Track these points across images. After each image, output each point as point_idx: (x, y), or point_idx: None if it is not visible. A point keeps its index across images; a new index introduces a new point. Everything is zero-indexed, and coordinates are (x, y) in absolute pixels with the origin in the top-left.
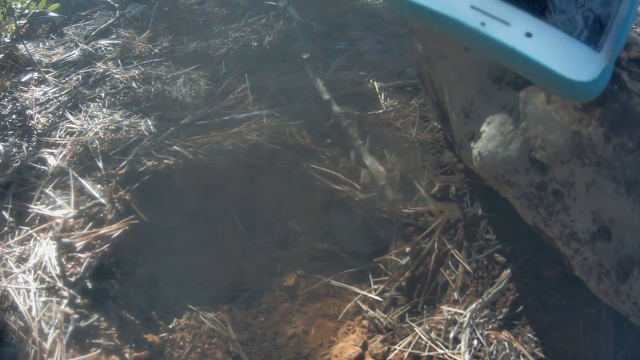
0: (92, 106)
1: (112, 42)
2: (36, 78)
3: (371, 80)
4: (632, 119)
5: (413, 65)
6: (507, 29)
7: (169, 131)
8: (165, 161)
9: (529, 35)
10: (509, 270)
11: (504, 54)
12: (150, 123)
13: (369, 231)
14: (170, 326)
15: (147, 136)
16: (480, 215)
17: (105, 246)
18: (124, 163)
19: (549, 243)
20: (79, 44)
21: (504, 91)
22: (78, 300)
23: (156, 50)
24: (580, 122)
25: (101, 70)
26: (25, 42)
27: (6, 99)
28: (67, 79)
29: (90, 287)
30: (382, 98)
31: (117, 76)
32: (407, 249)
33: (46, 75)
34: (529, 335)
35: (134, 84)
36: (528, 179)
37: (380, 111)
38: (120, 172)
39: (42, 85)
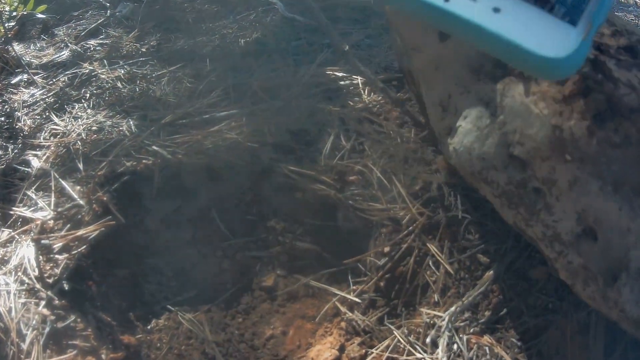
0: (77, 107)
1: (100, 41)
2: (25, 80)
3: (353, 76)
4: (618, 111)
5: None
6: (473, 5)
7: (149, 131)
8: (144, 161)
9: (496, 10)
10: (492, 272)
11: (470, 31)
12: (132, 123)
13: (349, 230)
14: (149, 327)
15: (127, 136)
16: (462, 214)
17: (83, 247)
18: (104, 164)
19: (533, 244)
20: (69, 44)
21: (483, 83)
22: (56, 302)
23: (143, 50)
24: (561, 115)
25: (87, 71)
26: (15, 44)
27: None
28: (54, 80)
29: (67, 288)
30: (365, 93)
31: (103, 76)
32: (386, 249)
33: (34, 77)
34: (513, 339)
35: (119, 84)
36: (507, 177)
37: (360, 105)
38: (99, 173)
39: (31, 87)
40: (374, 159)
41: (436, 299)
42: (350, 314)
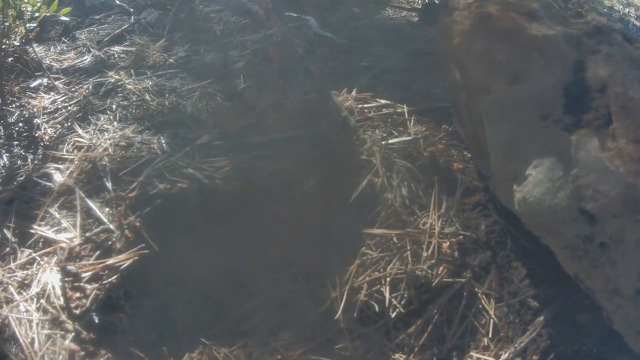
0: (102, 119)
1: (125, 49)
2: (45, 84)
3: (398, 104)
4: None
5: (440, 87)
6: None
7: (184, 151)
8: (179, 184)
9: None
10: (542, 317)
11: None
12: (163, 141)
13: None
14: None
15: (159, 155)
16: (513, 257)
17: (114, 277)
18: (135, 184)
19: (589, 294)
20: (92, 49)
21: (551, 130)
22: (84, 335)
23: (171, 60)
24: (637, 175)
25: (113, 80)
26: (35, 45)
27: (14, 105)
28: (77, 87)
29: (97, 321)
30: (411, 123)
31: (130, 87)
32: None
33: (56, 82)
34: None
35: (147, 96)
36: (575, 230)
37: (408, 138)
38: (130, 194)
39: (52, 93)
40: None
41: (486, 343)
42: (401, 355)
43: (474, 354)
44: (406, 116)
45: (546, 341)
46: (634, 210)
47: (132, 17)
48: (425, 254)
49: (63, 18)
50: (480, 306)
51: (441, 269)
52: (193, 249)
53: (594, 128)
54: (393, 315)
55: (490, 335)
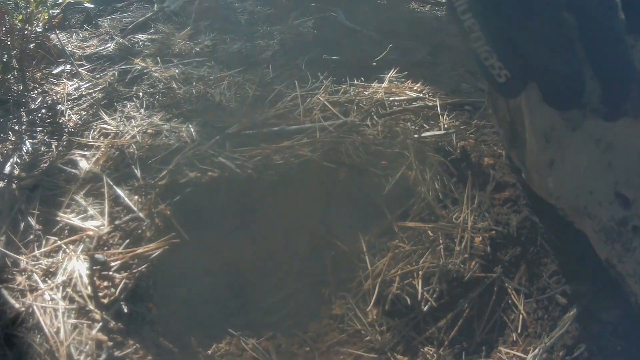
0: (128, 106)
1: (150, 37)
2: (68, 71)
3: (428, 96)
4: None
5: (468, 82)
6: None
7: (214, 140)
8: (209, 173)
9: None
10: (570, 314)
11: None
12: (192, 129)
13: None
14: (209, 352)
15: (189, 144)
16: (542, 254)
17: (143, 266)
18: (164, 173)
19: (618, 280)
20: (115, 37)
21: (589, 118)
22: (112, 325)
23: (197, 49)
24: None
25: (139, 67)
26: (57, 32)
27: (36, 91)
28: (101, 74)
29: (125, 310)
30: (444, 118)
31: (156, 74)
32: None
33: (79, 69)
34: None
35: (174, 84)
36: (610, 213)
37: (440, 132)
38: (160, 182)
39: (75, 79)
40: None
41: (514, 338)
42: (430, 349)
43: (502, 349)
44: (438, 110)
45: (573, 338)
46: None
47: (155, 5)
48: (458, 248)
49: (87, 5)
50: (509, 301)
51: (473, 263)
52: (223, 239)
53: (632, 115)
54: (425, 308)
55: (519, 331)
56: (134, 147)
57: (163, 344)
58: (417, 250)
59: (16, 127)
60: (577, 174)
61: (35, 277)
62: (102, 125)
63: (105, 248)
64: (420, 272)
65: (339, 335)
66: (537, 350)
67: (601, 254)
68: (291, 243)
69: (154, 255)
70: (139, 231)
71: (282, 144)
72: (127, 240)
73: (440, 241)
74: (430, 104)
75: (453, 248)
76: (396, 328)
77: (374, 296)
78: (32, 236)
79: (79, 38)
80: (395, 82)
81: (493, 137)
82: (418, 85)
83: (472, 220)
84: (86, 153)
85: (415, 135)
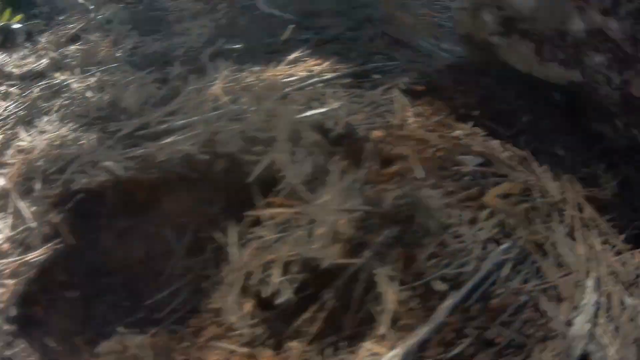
0: (44, 120)
1: (79, 47)
2: (2, 92)
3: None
4: None
5: (383, 53)
6: None
7: (106, 144)
8: (98, 178)
9: None
10: (448, 302)
11: None
12: (93, 136)
13: None
14: (95, 350)
15: (86, 151)
16: (421, 233)
17: (31, 272)
18: (59, 182)
19: None
20: (49, 52)
21: None
22: (5, 328)
23: (118, 54)
24: None
25: (59, 80)
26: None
27: None
28: (28, 92)
29: (15, 314)
30: (332, 94)
31: (75, 85)
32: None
33: (10, 89)
34: None
35: (89, 93)
36: None
37: (324, 109)
38: (54, 192)
39: (8, 99)
40: None
41: (383, 332)
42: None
43: (367, 344)
44: (330, 87)
45: (453, 331)
46: None
47: (92, 14)
48: (319, 233)
49: (17, 26)
50: (381, 290)
51: (335, 249)
52: (114, 240)
53: None
54: (281, 300)
55: (389, 323)
56: (41, 160)
57: (49, 343)
58: (281, 238)
59: None
60: None
61: None
62: (18, 143)
63: (2, 259)
64: (281, 262)
65: (216, 329)
66: (403, 346)
67: None
68: (177, 239)
69: (42, 261)
70: (30, 240)
71: (165, 141)
72: (20, 249)
73: (303, 226)
74: (323, 81)
75: (314, 233)
76: (265, 321)
77: (239, 289)
78: None
79: (19, 57)
80: (297, 64)
81: (389, 107)
82: (318, 63)
83: (338, 201)
84: (4, 171)
85: (297, 116)
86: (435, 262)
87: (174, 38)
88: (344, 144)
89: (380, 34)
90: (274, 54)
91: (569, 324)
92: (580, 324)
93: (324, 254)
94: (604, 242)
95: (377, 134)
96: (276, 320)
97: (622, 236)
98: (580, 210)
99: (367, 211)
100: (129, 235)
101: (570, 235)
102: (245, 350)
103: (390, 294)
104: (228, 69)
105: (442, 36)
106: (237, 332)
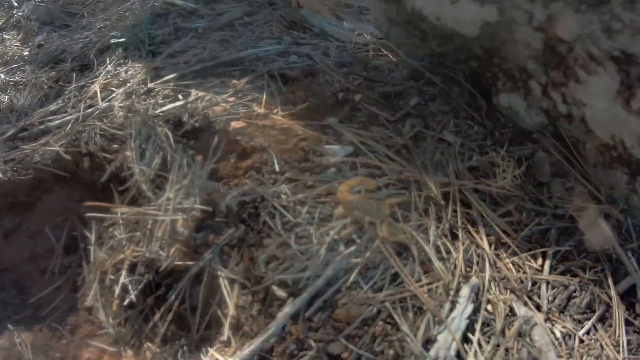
0: None
1: None
2: None
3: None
4: None
5: (271, 37)
6: None
7: None
8: None
9: None
10: (288, 308)
11: None
12: None
13: None
14: None
15: None
16: (265, 233)
17: None
18: None
19: None
20: None
21: None
22: None
23: (25, 53)
24: None
25: None
26: None
27: None
28: None
29: None
30: (193, 86)
31: None
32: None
33: None
34: None
35: None
36: None
37: (179, 103)
38: None
39: None
40: None
41: (227, 338)
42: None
43: (212, 351)
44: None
45: (296, 342)
46: None
47: (14, 11)
48: (158, 234)
49: None
50: (225, 292)
51: (173, 250)
52: (1, 240)
53: None
54: (125, 303)
55: (230, 329)
56: None
57: None
58: (131, 238)
59: None
60: None
61: None
62: None
63: None
64: (127, 262)
65: (90, 327)
66: (244, 354)
67: None
68: (56, 237)
69: None
70: None
71: (40, 142)
72: None
73: (148, 227)
74: (194, 71)
75: (155, 234)
76: (128, 321)
77: (94, 289)
78: None
79: None
80: (180, 54)
81: (255, 96)
82: (196, 54)
83: (177, 201)
84: None
85: (150, 113)
86: (274, 266)
87: (77, 34)
88: (198, 137)
89: (278, 18)
90: (160, 45)
91: (428, 341)
92: (445, 341)
93: (163, 254)
94: (497, 242)
95: (236, 124)
96: (137, 320)
97: (521, 234)
98: (466, 205)
99: (207, 210)
100: (15, 235)
101: (450, 235)
102: (114, 349)
103: (232, 299)
104: (112, 64)
105: (348, 16)
106: (105, 331)
